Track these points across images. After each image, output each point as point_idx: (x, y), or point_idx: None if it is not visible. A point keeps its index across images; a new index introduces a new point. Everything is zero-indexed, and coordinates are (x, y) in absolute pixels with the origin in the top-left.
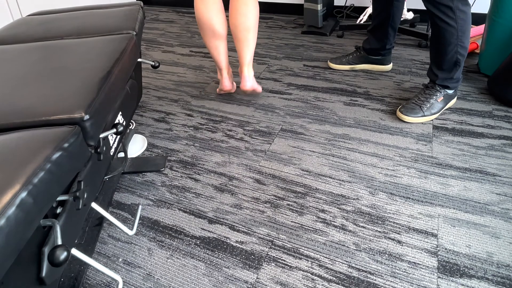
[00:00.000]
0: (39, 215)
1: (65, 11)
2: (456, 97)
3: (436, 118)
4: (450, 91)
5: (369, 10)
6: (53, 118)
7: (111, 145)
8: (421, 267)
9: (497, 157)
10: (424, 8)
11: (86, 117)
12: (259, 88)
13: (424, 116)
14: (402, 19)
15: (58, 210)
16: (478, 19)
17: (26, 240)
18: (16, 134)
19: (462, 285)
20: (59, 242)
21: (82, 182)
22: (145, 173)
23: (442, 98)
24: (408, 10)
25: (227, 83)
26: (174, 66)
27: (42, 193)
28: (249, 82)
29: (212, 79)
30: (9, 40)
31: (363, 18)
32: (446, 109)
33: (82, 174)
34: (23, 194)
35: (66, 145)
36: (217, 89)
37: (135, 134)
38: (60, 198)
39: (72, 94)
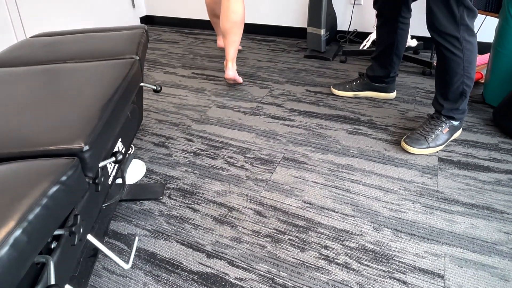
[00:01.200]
0: (34, 253)
1: (69, 33)
2: (461, 129)
3: (441, 150)
4: (456, 122)
5: (372, 36)
6: (51, 149)
7: (109, 173)
8: None
9: (504, 193)
10: (428, 35)
11: (86, 147)
12: (239, 80)
13: (429, 147)
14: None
15: (53, 245)
16: (482, 48)
17: (19, 279)
18: (13, 165)
19: None
20: (52, 281)
21: (79, 216)
22: (142, 201)
23: (448, 129)
24: (412, 37)
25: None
26: (175, 88)
27: (37, 231)
28: (231, 72)
29: (214, 102)
30: (11, 62)
31: (366, 44)
32: (451, 141)
33: (79, 206)
34: (18, 232)
35: (64, 178)
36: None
37: (134, 159)
38: (55, 232)
39: (72, 122)
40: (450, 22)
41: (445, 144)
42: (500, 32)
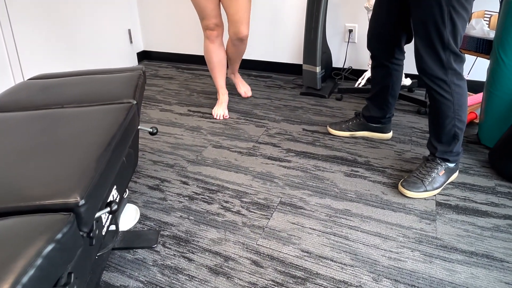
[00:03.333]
0: None
1: (67, 76)
2: (458, 171)
3: (439, 194)
4: (451, 164)
5: (367, 74)
6: (47, 203)
7: (103, 224)
8: None
9: (503, 239)
10: None
11: (82, 202)
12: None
13: (426, 191)
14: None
15: None
16: (475, 86)
17: None
18: (8, 222)
19: None
20: None
21: (72, 274)
22: (136, 250)
23: (444, 171)
24: (406, 75)
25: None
26: (171, 126)
27: None
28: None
29: (209, 142)
30: (8, 107)
31: (362, 81)
32: (448, 183)
33: (72, 263)
34: None
35: (59, 236)
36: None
37: (128, 204)
38: None
39: (68, 174)
40: (438, 67)
41: (442, 187)
42: (492, 73)
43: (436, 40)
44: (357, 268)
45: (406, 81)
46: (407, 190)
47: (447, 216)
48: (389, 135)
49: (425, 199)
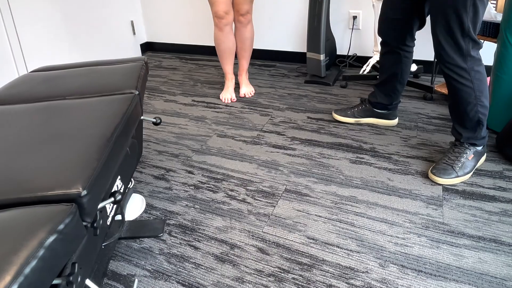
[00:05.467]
0: None
1: (70, 67)
2: (486, 154)
3: None
4: (479, 148)
5: (372, 61)
6: (49, 194)
7: (108, 214)
8: None
9: (511, 224)
10: (428, 59)
11: (84, 192)
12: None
13: (458, 176)
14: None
15: None
16: None
17: None
18: (10, 213)
19: None
20: None
21: (76, 264)
22: (142, 239)
23: (473, 155)
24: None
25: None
26: (175, 116)
27: (33, 285)
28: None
29: (214, 131)
30: (11, 99)
31: (366, 68)
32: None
33: (76, 253)
34: None
35: (61, 227)
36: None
37: (133, 194)
38: (52, 282)
39: (71, 165)
40: (457, 54)
41: (473, 171)
42: (499, 57)
43: (456, 27)
44: (363, 254)
45: (412, 67)
46: (439, 177)
47: (454, 201)
48: (395, 121)
49: (431, 184)
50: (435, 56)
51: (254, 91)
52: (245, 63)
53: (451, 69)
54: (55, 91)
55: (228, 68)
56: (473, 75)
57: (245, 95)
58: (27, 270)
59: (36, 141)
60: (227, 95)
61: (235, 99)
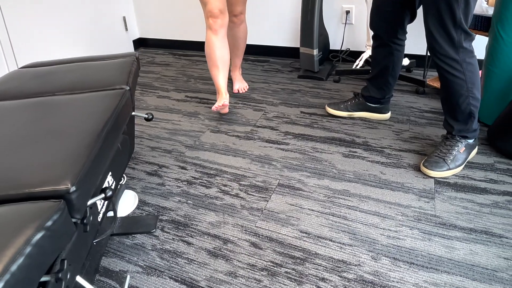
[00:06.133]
0: None
1: (60, 63)
2: (477, 146)
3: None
4: (471, 141)
5: (365, 55)
6: (37, 191)
7: (99, 210)
8: None
9: (502, 215)
10: (420, 53)
11: (73, 189)
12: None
13: (450, 169)
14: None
15: None
16: None
17: None
18: None
19: None
20: None
21: (66, 261)
22: (135, 235)
23: (464, 148)
24: (404, 55)
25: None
26: (168, 112)
27: (20, 282)
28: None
29: (207, 127)
30: (0, 96)
31: (359, 63)
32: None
33: (66, 249)
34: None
35: (49, 223)
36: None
37: (125, 190)
38: (41, 279)
39: (59, 161)
40: (449, 46)
41: (464, 164)
42: (491, 50)
43: (448, 19)
44: (356, 248)
45: (404, 61)
46: (431, 170)
47: (446, 194)
48: (387, 115)
49: (423, 178)
50: (428, 48)
51: (247, 87)
52: (238, 61)
53: (444, 60)
54: (46, 87)
55: (221, 81)
56: (465, 67)
57: (238, 91)
58: (14, 267)
59: (25, 137)
60: (219, 103)
61: (227, 110)
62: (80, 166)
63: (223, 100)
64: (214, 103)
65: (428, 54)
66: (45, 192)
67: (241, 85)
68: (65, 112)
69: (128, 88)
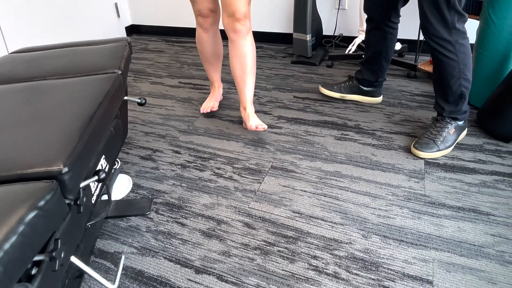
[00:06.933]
0: (10, 284)
1: (51, 48)
2: (467, 128)
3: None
4: (460, 122)
5: (358, 40)
6: (29, 172)
7: (92, 192)
8: None
9: (489, 194)
10: (412, 38)
11: (65, 169)
12: (264, 125)
13: (440, 150)
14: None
15: (33, 271)
16: None
17: None
18: None
19: None
20: None
21: (59, 241)
22: (129, 218)
23: (454, 130)
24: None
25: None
26: (162, 98)
27: (13, 260)
28: (256, 119)
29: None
30: None
31: (352, 48)
32: (458, 142)
33: (60, 230)
34: None
35: (41, 203)
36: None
37: (120, 174)
38: (35, 258)
39: (51, 143)
40: (442, 27)
41: (454, 145)
42: (481, 34)
43: (442, 0)
44: (347, 226)
45: (396, 46)
46: (420, 151)
47: (435, 174)
48: (379, 99)
49: (414, 159)
50: (421, 29)
51: (265, 127)
52: (248, 91)
53: (437, 41)
54: (37, 71)
55: (215, 75)
56: (457, 48)
57: (257, 127)
58: (7, 245)
59: (17, 120)
60: (209, 103)
61: (216, 108)
62: (72, 147)
63: (215, 101)
64: (208, 90)
65: (420, 39)
66: (38, 173)
67: (257, 122)
68: (56, 96)
69: (120, 72)
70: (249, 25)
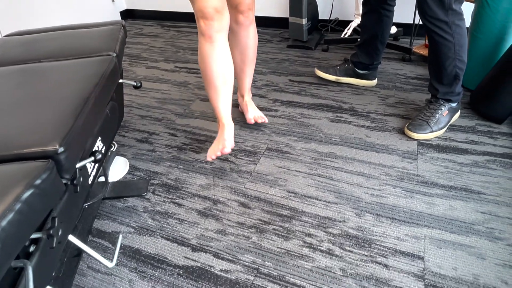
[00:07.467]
0: (8, 260)
1: (45, 31)
2: (460, 110)
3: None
4: (454, 104)
5: (353, 24)
6: (25, 152)
7: (89, 173)
8: None
9: (481, 174)
10: (407, 22)
11: (61, 149)
12: (265, 118)
13: (433, 131)
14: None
15: (31, 249)
16: None
17: None
18: None
19: None
20: (31, 286)
21: (57, 219)
22: (126, 198)
23: (447, 111)
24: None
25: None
26: (158, 82)
27: (11, 237)
28: (256, 111)
29: (197, 96)
30: None
31: (348, 32)
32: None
33: (57, 209)
34: None
35: (38, 181)
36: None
37: (116, 156)
38: (33, 236)
39: (47, 124)
40: (439, 8)
41: (447, 126)
42: (476, 17)
43: None
44: (341, 205)
45: (392, 30)
46: (414, 132)
47: (428, 155)
48: (374, 82)
49: (407, 140)
50: (418, 10)
51: (266, 119)
52: (246, 80)
53: (433, 22)
54: (31, 54)
55: (222, 106)
56: (454, 29)
57: (256, 120)
58: (4, 222)
59: (12, 102)
60: (218, 146)
61: (229, 150)
62: (67, 128)
63: (224, 141)
64: (209, 158)
65: (415, 22)
66: (34, 153)
67: (256, 113)
68: (51, 78)
69: (115, 54)
70: (252, 17)
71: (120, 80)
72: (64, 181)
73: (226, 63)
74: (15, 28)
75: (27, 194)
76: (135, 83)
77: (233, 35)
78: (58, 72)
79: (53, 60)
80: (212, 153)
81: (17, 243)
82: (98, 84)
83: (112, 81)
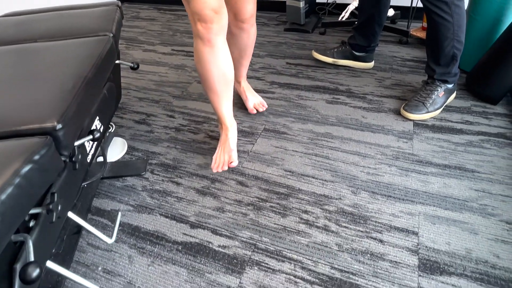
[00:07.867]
0: (8, 233)
1: (41, 11)
2: (455, 91)
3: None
4: (450, 85)
5: (351, 7)
6: (23, 128)
7: (87, 152)
8: (402, 266)
9: (475, 153)
10: (404, 5)
11: (59, 126)
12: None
13: (428, 112)
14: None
15: (31, 224)
16: None
17: None
18: None
19: (442, 282)
20: (31, 258)
21: (56, 194)
22: (125, 178)
23: (443, 92)
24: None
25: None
26: (155, 65)
27: (10, 210)
28: (256, 98)
29: (194, 78)
30: None
31: (345, 15)
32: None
33: (56, 185)
34: None
35: (36, 157)
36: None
37: (114, 137)
38: (32, 211)
39: (44, 101)
40: None
41: (443, 107)
42: None
43: None
44: (337, 183)
45: (389, 12)
46: (410, 113)
47: (424, 135)
48: (371, 64)
49: (403, 120)
50: None
51: (266, 105)
52: (244, 70)
53: (433, 2)
54: (27, 34)
55: (225, 108)
56: (453, 9)
57: (257, 109)
58: (3, 196)
59: (9, 81)
60: (223, 157)
61: (235, 161)
62: (65, 105)
63: (230, 151)
64: (216, 169)
65: (413, 5)
66: (32, 129)
67: (256, 100)
68: (48, 58)
69: (111, 35)
70: (253, 22)
71: (117, 61)
72: (63, 158)
73: (227, 66)
74: (11, 9)
75: (26, 169)
76: (132, 64)
77: (232, 36)
78: (55, 52)
79: (49, 40)
80: (219, 165)
81: (17, 217)
82: (95, 63)
83: (109, 61)
